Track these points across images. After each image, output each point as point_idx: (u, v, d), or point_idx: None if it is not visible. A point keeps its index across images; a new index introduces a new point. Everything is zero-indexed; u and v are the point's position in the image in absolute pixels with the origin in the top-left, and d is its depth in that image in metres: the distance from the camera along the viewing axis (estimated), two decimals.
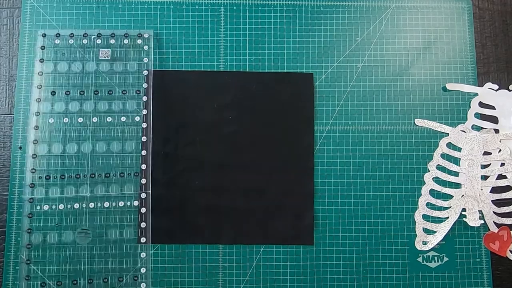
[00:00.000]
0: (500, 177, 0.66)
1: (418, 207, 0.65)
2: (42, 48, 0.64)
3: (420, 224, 0.65)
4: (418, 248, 0.64)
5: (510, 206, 0.65)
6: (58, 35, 0.64)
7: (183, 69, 0.66)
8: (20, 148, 0.63)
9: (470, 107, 0.68)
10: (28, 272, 0.59)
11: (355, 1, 0.69)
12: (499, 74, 0.69)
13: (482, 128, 0.67)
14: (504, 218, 0.65)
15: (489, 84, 0.68)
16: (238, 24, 0.68)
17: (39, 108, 0.63)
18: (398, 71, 0.68)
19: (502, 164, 0.66)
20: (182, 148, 0.65)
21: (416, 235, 0.64)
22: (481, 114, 0.67)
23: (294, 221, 0.64)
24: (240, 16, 0.68)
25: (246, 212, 0.64)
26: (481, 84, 0.68)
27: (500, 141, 0.66)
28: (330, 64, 0.68)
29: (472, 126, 0.67)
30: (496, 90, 0.68)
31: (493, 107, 0.67)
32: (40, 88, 0.63)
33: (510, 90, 0.68)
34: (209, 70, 0.67)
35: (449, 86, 0.68)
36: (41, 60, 0.64)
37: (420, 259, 0.64)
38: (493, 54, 0.70)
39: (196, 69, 0.66)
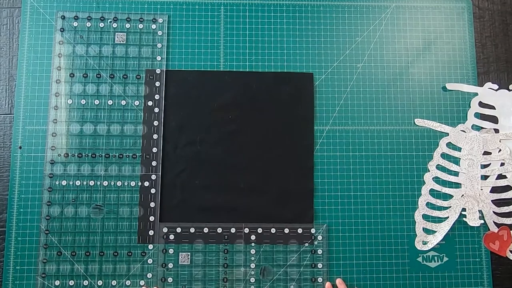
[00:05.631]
0: (500, 177, 0.66)
1: (418, 207, 0.65)
2: (62, 30, 0.65)
3: (420, 224, 0.65)
4: (418, 248, 0.64)
5: (510, 206, 0.65)
6: (76, 18, 0.66)
7: (183, 69, 0.66)
8: (20, 147, 0.63)
9: (470, 107, 0.68)
10: (46, 241, 0.62)
11: (355, 1, 0.69)
12: (499, 74, 0.69)
13: (482, 128, 0.67)
14: (504, 218, 0.65)
15: (489, 84, 0.68)
16: (238, 24, 0.68)
17: (58, 89, 0.64)
18: (398, 71, 0.68)
19: (502, 164, 0.66)
20: (182, 148, 0.65)
21: (416, 235, 0.64)
22: (481, 114, 0.67)
23: (293, 220, 0.64)
24: (240, 16, 0.68)
25: (246, 211, 0.64)
26: (481, 84, 0.68)
27: (500, 141, 0.66)
28: (330, 64, 0.68)
29: (472, 126, 0.67)
30: (496, 90, 0.68)
31: (493, 107, 0.67)
32: (59, 70, 0.65)
33: (510, 90, 0.68)
34: (209, 70, 0.67)
35: (449, 86, 0.68)
36: (61, 42, 0.65)
37: (420, 259, 0.64)
38: (493, 54, 0.70)
39: (196, 69, 0.67)
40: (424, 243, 0.64)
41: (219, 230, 0.63)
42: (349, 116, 0.67)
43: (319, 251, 0.63)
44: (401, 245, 0.64)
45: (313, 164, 0.65)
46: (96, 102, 0.65)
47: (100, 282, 0.62)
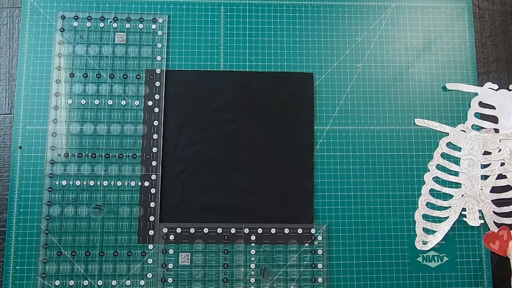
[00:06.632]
0: (500, 176, 0.66)
1: (418, 207, 0.65)
2: (62, 30, 0.65)
3: (420, 223, 0.65)
4: (418, 248, 0.64)
5: (510, 206, 0.65)
6: (76, 18, 0.66)
7: (183, 69, 0.66)
8: (20, 147, 0.63)
9: (470, 106, 0.68)
10: (46, 241, 0.62)
11: (355, 1, 0.69)
12: (499, 74, 0.69)
13: (482, 127, 0.67)
14: (504, 218, 0.65)
15: (489, 84, 0.68)
16: (238, 24, 0.68)
17: (58, 89, 0.64)
18: (398, 71, 0.68)
19: (502, 164, 0.66)
20: (182, 148, 0.65)
21: (416, 235, 0.64)
22: (481, 113, 0.67)
23: (293, 220, 0.64)
24: (240, 16, 0.68)
25: (246, 211, 0.64)
26: (481, 84, 0.68)
27: (500, 141, 0.66)
28: (330, 64, 0.68)
29: (472, 126, 0.67)
30: (496, 90, 0.68)
31: (493, 107, 0.67)
32: (59, 70, 0.65)
33: (510, 90, 0.68)
34: (209, 70, 0.67)
35: (449, 86, 0.68)
36: (61, 42, 0.65)
37: (420, 259, 0.64)
38: (493, 54, 0.70)
39: (196, 69, 0.67)
40: (424, 243, 0.64)
41: (219, 230, 0.63)
42: (349, 116, 0.67)
43: (319, 251, 0.63)
44: (401, 245, 0.64)
45: (313, 164, 0.65)
46: (96, 102, 0.65)
47: (100, 282, 0.62)
